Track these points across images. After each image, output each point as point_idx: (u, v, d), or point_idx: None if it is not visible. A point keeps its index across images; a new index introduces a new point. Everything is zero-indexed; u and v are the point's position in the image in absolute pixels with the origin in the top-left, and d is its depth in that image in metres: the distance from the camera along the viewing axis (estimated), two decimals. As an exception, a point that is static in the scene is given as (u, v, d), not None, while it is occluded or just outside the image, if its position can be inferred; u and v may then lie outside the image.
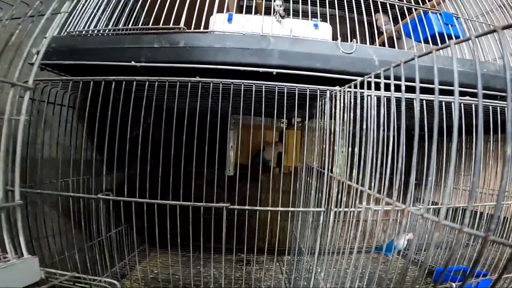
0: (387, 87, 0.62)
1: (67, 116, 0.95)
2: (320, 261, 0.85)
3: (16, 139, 0.57)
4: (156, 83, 0.82)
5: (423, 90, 0.77)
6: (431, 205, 1.15)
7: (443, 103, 0.81)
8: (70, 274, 0.69)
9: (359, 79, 0.71)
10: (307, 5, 0.96)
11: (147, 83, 0.82)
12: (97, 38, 0.89)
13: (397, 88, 0.55)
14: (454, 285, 0.90)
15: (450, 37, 0.92)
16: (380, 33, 1.34)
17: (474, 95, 0.80)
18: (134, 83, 0.81)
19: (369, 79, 0.69)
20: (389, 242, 1.45)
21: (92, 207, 0.85)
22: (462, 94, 0.81)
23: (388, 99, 0.63)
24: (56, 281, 0.66)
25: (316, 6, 0.95)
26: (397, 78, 0.56)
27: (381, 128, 0.60)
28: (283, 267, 1.33)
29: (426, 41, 0.90)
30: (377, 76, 0.65)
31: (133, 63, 0.82)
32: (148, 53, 0.83)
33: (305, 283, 0.91)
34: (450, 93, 0.80)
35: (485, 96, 0.84)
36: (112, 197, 0.80)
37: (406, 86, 0.50)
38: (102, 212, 0.82)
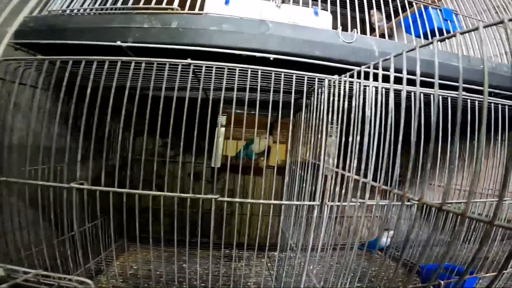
0: (385, 79, 0.59)
1: (45, 100, 0.85)
2: (313, 258, 0.82)
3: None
4: (143, 65, 0.75)
5: (422, 84, 0.75)
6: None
7: (440, 97, 0.80)
8: (35, 272, 0.62)
9: (357, 68, 0.68)
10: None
11: (133, 64, 0.75)
12: (83, 17, 0.82)
13: (395, 81, 0.52)
14: (442, 282, 0.90)
15: (448, 33, 0.91)
16: (372, 30, 1.33)
17: (470, 90, 0.80)
18: (119, 63, 0.74)
19: (367, 70, 0.66)
20: (373, 239, 1.46)
21: (65, 199, 0.77)
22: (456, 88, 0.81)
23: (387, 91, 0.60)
24: (18, 279, 0.59)
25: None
26: (396, 70, 0.54)
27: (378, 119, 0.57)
28: (269, 264, 1.29)
29: (425, 36, 0.90)
30: (376, 66, 0.63)
31: (118, 43, 0.75)
32: (137, 33, 0.76)
33: (294, 280, 0.87)
34: (447, 87, 0.79)
35: (482, 92, 0.84)
36: (87, 186, 0.72)
37: (402, 79, 0.48)
38: (75, 203, 0.74)
